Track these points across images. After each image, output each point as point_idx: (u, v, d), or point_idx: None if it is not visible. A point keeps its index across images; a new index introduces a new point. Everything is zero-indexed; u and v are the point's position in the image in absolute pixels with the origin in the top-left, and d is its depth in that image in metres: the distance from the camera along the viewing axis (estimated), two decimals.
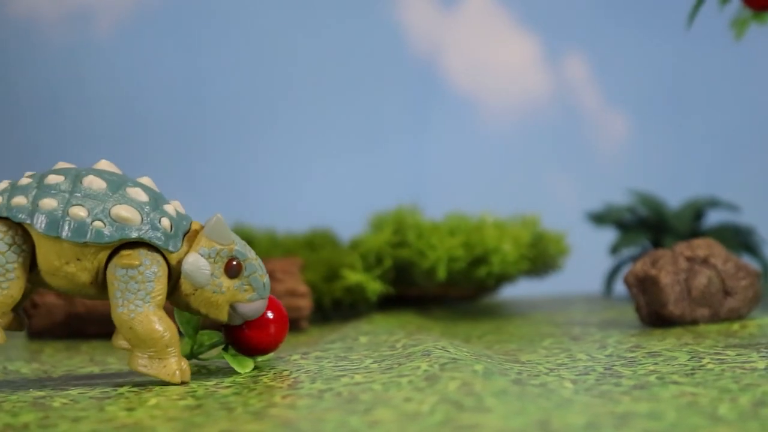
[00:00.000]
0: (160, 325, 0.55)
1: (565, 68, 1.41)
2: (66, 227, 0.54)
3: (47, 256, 0.55)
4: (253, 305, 0.56)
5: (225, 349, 0.61)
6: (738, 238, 0.89)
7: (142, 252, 0.55)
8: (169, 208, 0.56)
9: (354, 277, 0.79)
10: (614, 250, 0.91)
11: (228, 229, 0.56)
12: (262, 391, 0.53)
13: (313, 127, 1.35)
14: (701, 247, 0.73)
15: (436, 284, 0.82)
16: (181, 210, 0.57)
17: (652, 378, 0.54)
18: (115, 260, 0.55)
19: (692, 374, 0.54)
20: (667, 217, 0.91)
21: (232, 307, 0.56)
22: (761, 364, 0.56)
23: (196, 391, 0.54)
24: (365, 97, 1.37)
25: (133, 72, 1.32)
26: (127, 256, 0.54)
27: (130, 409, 0.50)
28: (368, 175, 1.36)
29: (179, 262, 0.55)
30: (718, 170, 1.33)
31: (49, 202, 0.54)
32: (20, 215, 0.54)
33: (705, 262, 0.73)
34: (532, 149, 1.39)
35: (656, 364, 0.58)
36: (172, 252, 0.55)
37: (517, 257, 0.82)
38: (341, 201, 1.30)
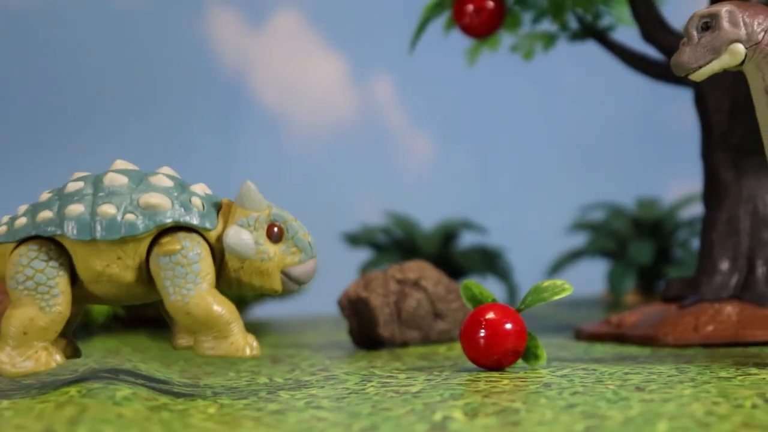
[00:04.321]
0: (217, 303, 0.53)
1: (372, 89, 1.43)
2: (98, 227, 0.52)
3: (87, 264, 0.53)
4: (304, 267, 0.55)
5: None
6: (485, 261, 0.91)
7: (181, 235, 0.53)
8: (196, 188, 0.55)
9: None
10: (363, 270, 0.91)
11: (260, 194, 0.54)
12: None
13: (115, 142, 1.34)
14: (412, 269, 0.74)
15: None
16: (208, 191, 0.55)
17: (301, 403, 0.54)
18: (155, 250, 0.53)
19: (343, 399, 0.55)
20: (417, 238, 0.92)
21: (285, 273, 0.54)
22: (416, 388, 0.56)
23: None
24: (170, 113, 1.37)
25: None
26: (167, 243, 0.53)
27: None
28: None
29: (219, 240, 0.54)
30: (514, 192, 1.35)
31: (75, 208, 0.53)
32: (49, 228, 0.53)
33: (416, 284, 0.74)
34: (338, 168, 1.40)
35: (322, 387, 0.58)
36: (209, 230, 0.54)
37: None
38: None
